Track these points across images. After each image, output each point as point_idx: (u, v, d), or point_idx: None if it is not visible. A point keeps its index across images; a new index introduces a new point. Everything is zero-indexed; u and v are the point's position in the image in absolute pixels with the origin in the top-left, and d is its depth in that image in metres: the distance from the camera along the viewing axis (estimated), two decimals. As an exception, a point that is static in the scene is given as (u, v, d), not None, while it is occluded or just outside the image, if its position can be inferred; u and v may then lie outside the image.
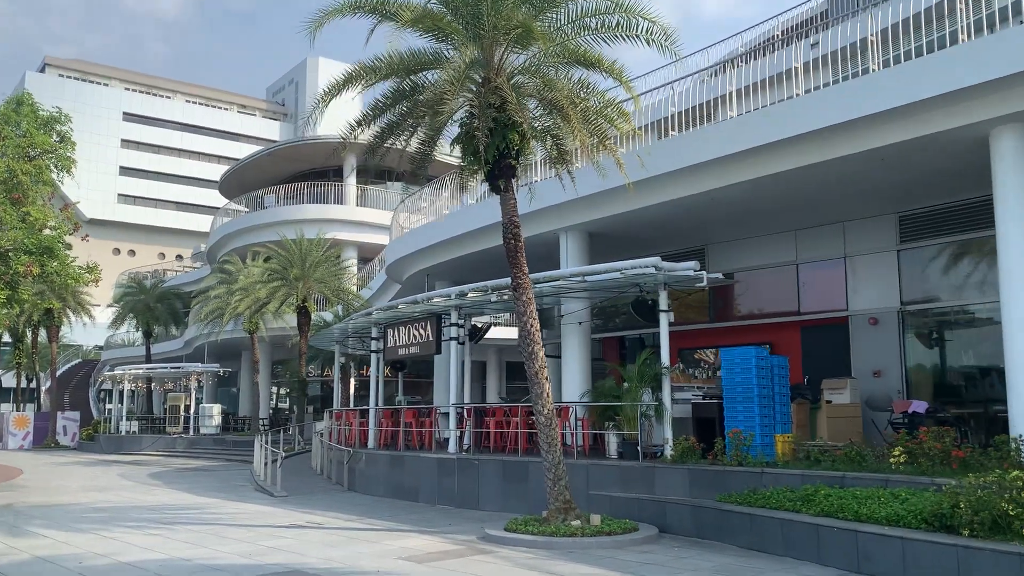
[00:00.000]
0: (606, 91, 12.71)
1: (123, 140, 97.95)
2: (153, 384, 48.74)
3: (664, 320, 14.67)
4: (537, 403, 12.41)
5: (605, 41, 12.14)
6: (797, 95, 13.89)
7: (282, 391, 54.16)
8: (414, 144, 12.93)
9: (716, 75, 16.04)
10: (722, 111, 15.34)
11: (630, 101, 12.75)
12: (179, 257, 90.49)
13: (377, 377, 21.56)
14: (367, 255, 42.39)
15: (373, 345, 21.35)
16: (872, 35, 12.72)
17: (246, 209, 47.19)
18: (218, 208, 54.95)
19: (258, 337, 39.12)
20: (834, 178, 14.78)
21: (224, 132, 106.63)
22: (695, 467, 13.03)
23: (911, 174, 14.44)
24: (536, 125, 12.53)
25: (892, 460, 11.10)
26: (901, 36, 12.53)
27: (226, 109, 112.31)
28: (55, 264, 18.83)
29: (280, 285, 32.01)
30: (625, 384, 14.77)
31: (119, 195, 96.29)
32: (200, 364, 43.04)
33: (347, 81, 12.31)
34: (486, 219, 20.07)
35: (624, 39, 11.95)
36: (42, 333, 49.44)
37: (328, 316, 36.27)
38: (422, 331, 18.83)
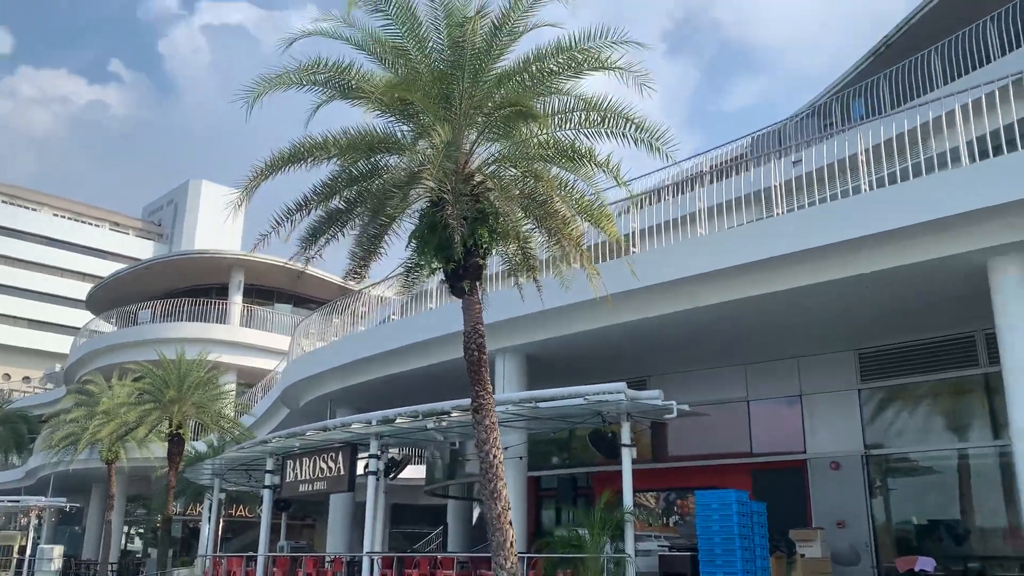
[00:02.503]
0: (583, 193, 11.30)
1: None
2: (-19, 520, 42.38)
3: (627, 455, 12.95)
4: (499, 554, 10.19)
5: (586, 136, 10.87)
6: (778, 214, 12.97)
7: (133, 531, 48.32)
8: (369, 232, 11.00)
9: (681, 192, 15.10)
10: (691, 229, 14.27)
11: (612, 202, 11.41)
12: (26, 379, 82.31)
13: (269, 518, 18.57)
14: (248, 380, 39.12)
15: (267, 479, 18.47)
16: (862, 153, 12.02)
17: (113, 327, 43.19)
18: (79, 328, 50.30)
19: (116, 468, 34.67)
20: (795, 308, 13.84)
21: (93, 249, 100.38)
22: (676, 634, 11.00)
23: (880, 307, 13.66)
24: (505, 223, 10.93)
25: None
26: (896, 154, 11.87)
27: (97, 226, 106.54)
28: None
29: (152, 408, 28.37)
30: (583, 531, 12.72)
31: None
32: (43, 498, 37.65)
33: (291, 157, 10.44)
34: (405, 338, 18.13)
35: (609, 136, 10.69)
36: None
37: (201, 446, 32.58)
38: (332, 463, 16.29)
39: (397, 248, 12.92)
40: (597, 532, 12.41)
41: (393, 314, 19.89)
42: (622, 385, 12.58)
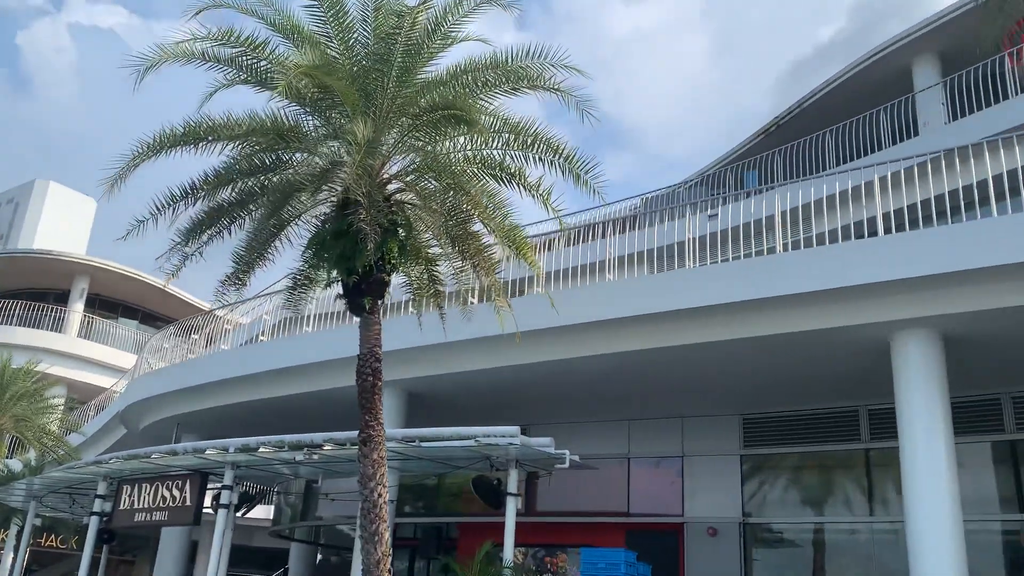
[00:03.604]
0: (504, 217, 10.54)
1: None
2: None
3: (512, 505, 12.15)
4: (374, 606, 9.05)
5: (512, 159, 10.19)
6: (691, 267, 12.70)
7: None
8: (263, 232, 9.80)
9: (586, 240, 14.69)
10: (597, 277, 13.82)
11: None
12: None
13: (92, 550, 16.41)
14: (81, 396, 35.76)
15: (96, 505, 16.35)
16: (779, 214, 11.95)
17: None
18: None
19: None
20: (685, 365, 13.66)
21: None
22: None
23: (767, 373, 13.63)
24: (417, 240, 10.06)
25: None
26: (814, 216, 11.86)
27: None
28: None
29: (-36, 417, 25.19)
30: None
31: None
32: None
33: (184, 138, 9.19)
34: (276, 361, 16.69)
35: (536, 162, 10.02)
36: None
37: (16, 465, 29.22)
38: (176, 492, 14.57)
39: (281, 260, 11.70)
40: (475, 587, 11.45)
41: (262, 335, 18.37)
42: (515, 429, 11.78)
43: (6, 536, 32.11)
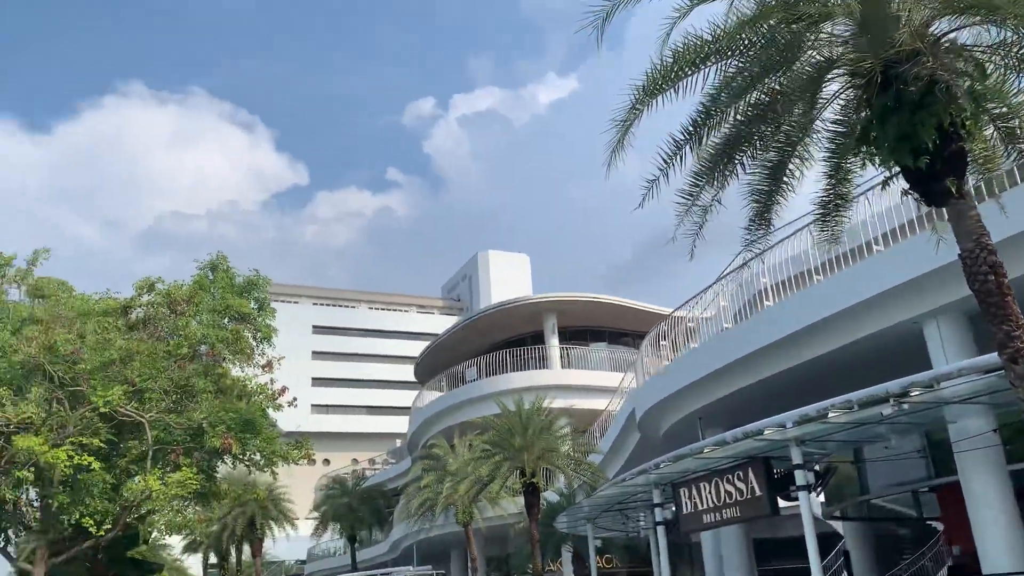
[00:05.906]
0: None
1: (314, 352, 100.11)
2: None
3: None
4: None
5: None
6: None
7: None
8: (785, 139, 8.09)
9: None
10: None
11: None
12: (372, 461, 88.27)
13: (668, 561, 15.87)
14: (578, 421, 37.66)
15: (657, 515, 15.84)
16: None
17: (440, 393, 43.97)
18: (408, 408, 52.19)
19: (473, 529, 34.26)
20: None
21: (406, 333, 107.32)
22: None
23: None
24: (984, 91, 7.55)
25: None
26: None
27: (405, 311, 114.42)
28: (258, 441, 15.12)
29: (502, 459, 27.27)
30: None
31: (312, 406, 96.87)
32: (411, 568, 38.31)
33: (677, 64, 7.86)
34: (801, 319, 14.70)
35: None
36: (245, 550, 46.71)
37: (552, 496, 31.14)
38: (740, 484, 13.31)
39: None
40: None
41: (766, 299, 16.53)
42: None
43: (560, 566, 34.44)
